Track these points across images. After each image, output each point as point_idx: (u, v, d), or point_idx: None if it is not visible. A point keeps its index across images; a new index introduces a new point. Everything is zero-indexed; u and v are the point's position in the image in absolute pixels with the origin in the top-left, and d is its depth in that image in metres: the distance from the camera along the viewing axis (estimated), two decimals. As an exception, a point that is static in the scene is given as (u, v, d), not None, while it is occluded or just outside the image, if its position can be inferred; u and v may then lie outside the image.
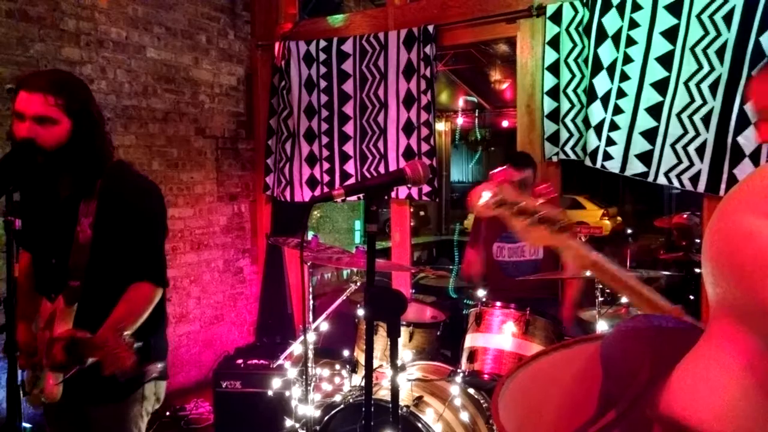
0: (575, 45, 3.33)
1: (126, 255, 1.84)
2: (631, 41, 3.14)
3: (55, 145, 1.71)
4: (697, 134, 3.03)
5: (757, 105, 1.35)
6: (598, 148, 3.24)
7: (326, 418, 2.61)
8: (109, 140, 1.90)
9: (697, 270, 4.52)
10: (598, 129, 3.23)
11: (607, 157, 3.23)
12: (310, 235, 5.13)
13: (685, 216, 5.56)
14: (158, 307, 1.88)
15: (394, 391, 1.40)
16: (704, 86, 2.98)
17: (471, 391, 2.76)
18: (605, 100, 3.21)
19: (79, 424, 1.88)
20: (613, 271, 1.29)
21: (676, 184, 3.11)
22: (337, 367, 3.42)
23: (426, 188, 3.96)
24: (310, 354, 2.88)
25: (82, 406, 1.86)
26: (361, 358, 3.09)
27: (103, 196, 1.81)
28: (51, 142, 1.70)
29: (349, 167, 4.18)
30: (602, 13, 3.18)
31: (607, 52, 3.20)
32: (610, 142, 3.22)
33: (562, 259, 1.29)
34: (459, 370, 2.74)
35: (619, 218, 15.60)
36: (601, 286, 2.90)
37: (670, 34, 3.04)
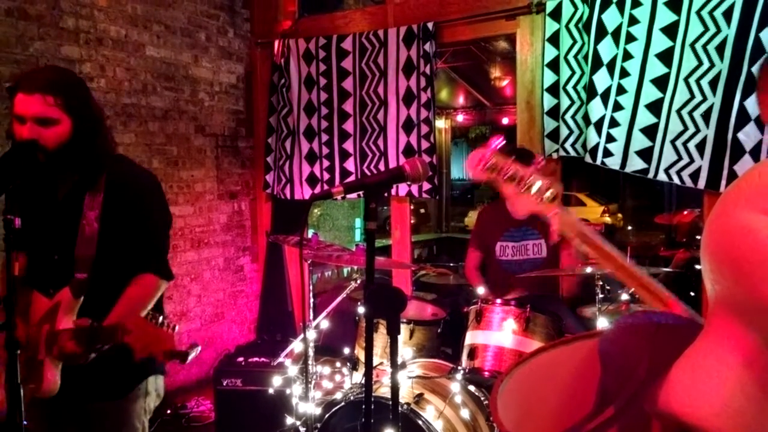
0: (575, 42, 3.33)
1: (132, 248, 1.85)
2: (630, 38, 3.13)
3: (58, 144, 1.72)
4: (698, 131, 3.03)
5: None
6: (598, 144, 3.23)
7: (327, 415, 2.61)
8: (111, 135, 1.90)
9: (698, 266, 4.52)
10: (598, 126, 3.22)
11: (607, 153, 3.23)
12: (310, 233, 5.13)
13: (686, 213, 5.54)
14: (158, 302, 1.89)
15: (395, 389, 1.40)
16: (704, 82, 2.98)
17: (471, 388, 2.76)
18: (605, 96, 3.21)
19: (78, 422, 1.86)
20: (600, 244, 1.33)
21: (676, 180, 3.10)
22: (338, 364, 3.42)
23: (426, 186, 3.96)
24: (311, 352, 2.88)
25: (83, 404, 1.83)
26: (361, 355, 3.09)
27: (110, 190, 1.82)
28: (53, 142, 1.71)
29: (349, 165, 4.17)
30: (602, 10, 3.18)
31: (606, 49, 3.19)
32: (610, 138, 3.21)
33: (550, 226, 1.36)
34: (459, 368, 2.74)
35: (619, 215, 15.60)
36: (601, 283, 2.90)
37: (670, 31, 3.04)
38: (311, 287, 3.00)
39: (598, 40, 3.20)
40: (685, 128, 3.05)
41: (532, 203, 1.32)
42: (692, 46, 2.99)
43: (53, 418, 1.84)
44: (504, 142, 1.35)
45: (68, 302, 1.74)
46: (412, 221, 4.39)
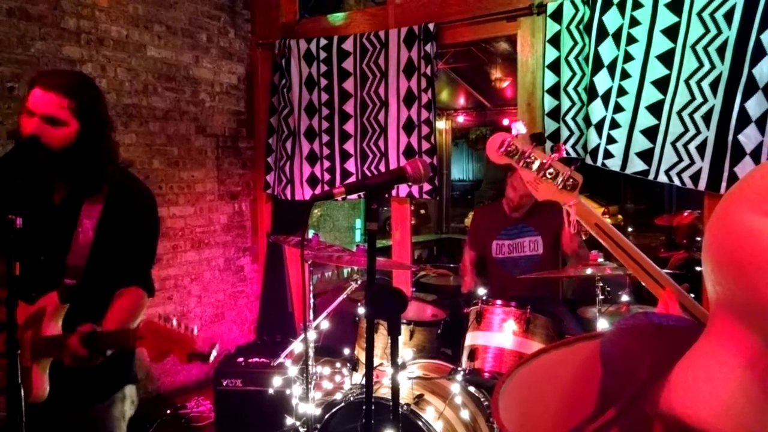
0: (576, 43, 3.33)
1: (124, 260, 1.85)
2: (631, 39, 3.13)
3: (61, 145, 1.71)
4: (698, 132, 3.03)
5: None
6: (598, 146, 3.23)
7: (327, 416, 2.61)
8: (115, 143, 1.90)
9: (698, 268, 4.52)
10: (599, 127, 3.23)
11: (608, 155, 3.23)
12: (310, 233, 5.13)
13: (686, 214, 5.54)
14: None
15: (395, 390, 1.40)
16: (705, 84, 2.98)
17: (471, 389, 2.76)
18: (606, 98, 3.21)
19: (60, 428, 1.83)
20: (615, 235, 1.30)
21: (676, 182, 3.11)
22: (338, 365, 3.42)
23: (427, 187, 3.96)
24: (311, 352, 2.88)
25: (66, 410, 1.80)
26: (361, 356, 3.09)
27: (111, 201, 1.82)
28: (57, 142, 1.70)
29: (350, 165, 4.18)
30: (603, 11, 3.18)
31: (607, 50, 3.19)
32: (611, 140, 3.22)
33: (567, 216, 1.31)
34: (459, 369, 2.74)
35: (620, 216, 15.58)
36: (602, 284, 2.90)
37: (671, 32, 3.04)
38: (311, 288, 3.00)
39: (599, 42, 3.20)
40: (686, 130, 3.05)
41: (553, 190, 1.29)
42: (693, 47, 2.99)
43: (35, 424, 1.81)
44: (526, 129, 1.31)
45: (55, 308, 1.72)
46: (413, 222, 4.40)
